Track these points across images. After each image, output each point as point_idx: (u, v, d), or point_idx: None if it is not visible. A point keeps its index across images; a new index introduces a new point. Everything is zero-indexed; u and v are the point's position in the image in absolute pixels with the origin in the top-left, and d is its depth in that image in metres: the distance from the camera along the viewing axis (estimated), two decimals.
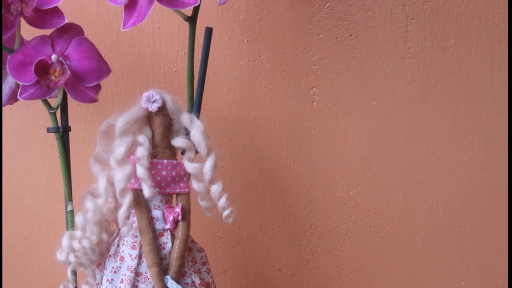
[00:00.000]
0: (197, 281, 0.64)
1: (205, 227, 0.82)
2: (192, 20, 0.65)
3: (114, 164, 0.61)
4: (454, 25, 0.81)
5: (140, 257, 0.62)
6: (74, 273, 0.66)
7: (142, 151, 0.61)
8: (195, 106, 0.66)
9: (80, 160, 0.79)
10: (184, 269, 0.64)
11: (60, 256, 0.63)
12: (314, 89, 0.81)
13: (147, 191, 0.61)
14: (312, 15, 0.80)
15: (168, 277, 0.62)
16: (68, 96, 0.62)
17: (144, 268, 0.62)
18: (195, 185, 0.64)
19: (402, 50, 0.81)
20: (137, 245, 0.62)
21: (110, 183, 0.62)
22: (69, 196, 0.66)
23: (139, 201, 0.63)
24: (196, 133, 0.63)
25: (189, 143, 0.64)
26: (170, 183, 0.64)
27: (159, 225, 0.63)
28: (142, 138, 0.62)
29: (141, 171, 0.61)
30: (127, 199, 0.61)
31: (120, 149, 0.61)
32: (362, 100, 0.82)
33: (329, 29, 0.80)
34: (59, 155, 0.66)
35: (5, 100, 0.63)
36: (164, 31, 0.80)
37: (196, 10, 0.65)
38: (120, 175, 0.60)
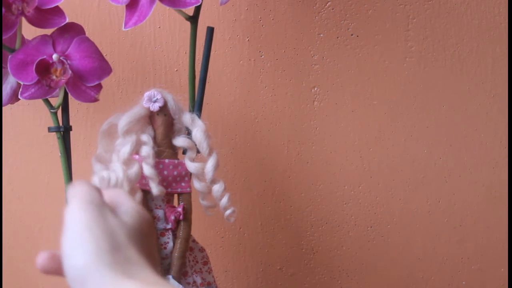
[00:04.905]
0: (199, 280, 0.64)
1: (207, 226, 0.82)
2: (193, 19, 0.65)
3: (120, 163, 0.61)
4: (455, 25, 0.81)
5: None
6: None
7: (147, 150, 0.61)
8: (197, 106, 0.66)
9: (81, 159, 0.79)
10: (186, 269, 0.64)
11: None
12: (315, 89, 0.81)
13: (155, 189, 0.61)
14: (313, 15, 0.80)
15: (170, 276, 0.62)
16: (69, 95, 0.62)
17: None
18: (197, 184, 0.64)
19: (403, 50, 0.81)
20: None
21: None
22: None
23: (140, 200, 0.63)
24: (198, 132, 0.63)
25: (190, 143, 0.64)
26: (172, 183, 0.64)
27: (160, 225, 0.63)
28: (146, 137, 0.62)
29: (148, 170, 0.61)
30: (136, 199, 0.61)
31: (125, 148, 0.61)
32: (363, 99, 0.82)
33: (330, 29, 0.80)
34: (60, 154, 0.66)
35: (6, 100, 0.63)
36: (166, 31, 0.80)
37: (197, 9, 0.65)
38: (128, 173, 0.60)
